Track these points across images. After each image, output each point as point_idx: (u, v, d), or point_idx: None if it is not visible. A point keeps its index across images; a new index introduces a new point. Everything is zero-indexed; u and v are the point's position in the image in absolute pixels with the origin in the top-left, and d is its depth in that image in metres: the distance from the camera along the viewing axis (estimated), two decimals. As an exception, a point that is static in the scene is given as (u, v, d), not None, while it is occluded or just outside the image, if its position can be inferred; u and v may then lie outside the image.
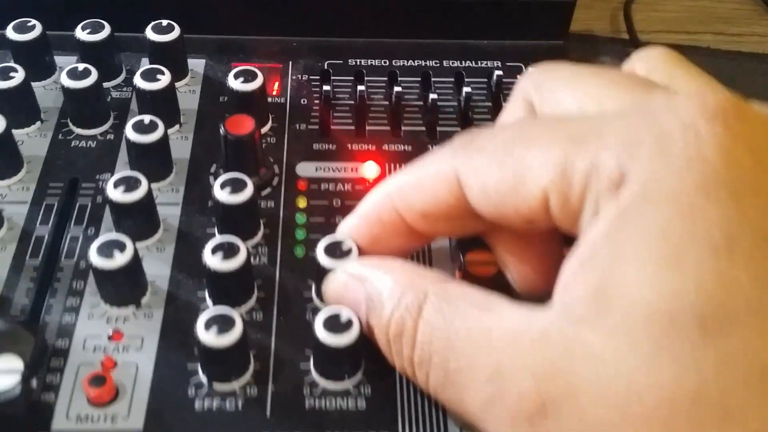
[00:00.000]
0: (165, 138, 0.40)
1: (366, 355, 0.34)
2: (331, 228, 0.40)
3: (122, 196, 0.37)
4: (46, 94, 0.46)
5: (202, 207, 0.41)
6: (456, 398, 0.27)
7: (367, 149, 0.44)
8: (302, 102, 0.47)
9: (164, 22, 0.46)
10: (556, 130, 0.27)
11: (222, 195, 0.37)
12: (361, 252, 0.34)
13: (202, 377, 0.34)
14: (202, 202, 0.41)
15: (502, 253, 0.33)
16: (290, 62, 0.49)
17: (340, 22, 0.51)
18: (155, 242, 0.39)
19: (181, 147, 0.44)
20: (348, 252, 0.35)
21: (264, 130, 0.45)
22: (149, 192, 0.38)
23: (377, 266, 0.32)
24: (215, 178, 0.42)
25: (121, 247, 0.35)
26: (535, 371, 0.24)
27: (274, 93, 0.47)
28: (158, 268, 0.38)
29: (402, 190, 0.32)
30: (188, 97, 0.46)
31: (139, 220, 0.38)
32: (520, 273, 0.32)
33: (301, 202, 0.41)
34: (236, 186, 0.37)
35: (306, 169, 0.43)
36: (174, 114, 0.44)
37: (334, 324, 0.32)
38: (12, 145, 0.41)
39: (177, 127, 0.44)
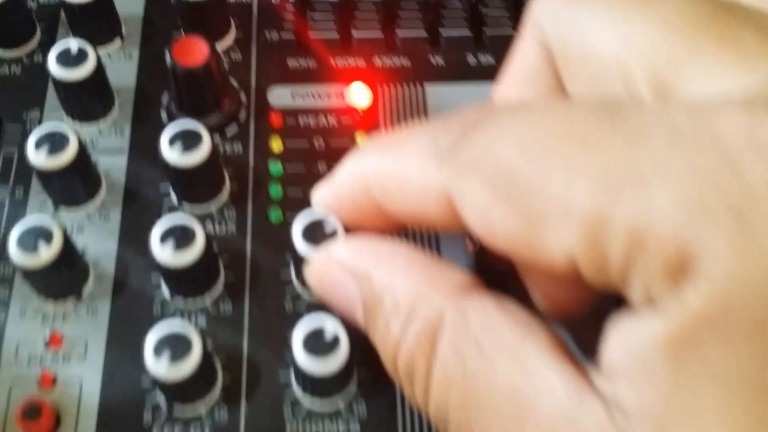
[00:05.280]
0: (99, 71, 0.32)
1: (358, 363, 0.28)
2: (313, 180, 0.32)
3: (46, 161, 0.29)
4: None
5: (153, 154, 0.32)
6: None
7: (354, 65, 0.36)
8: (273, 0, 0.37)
9: None
10: (580, 150, 0.18)
11: (172, 155, 0.29)
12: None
13: (161, 400, 0.28)
14: (154, 147, 0.33)
15: (524, 272, 0.25)
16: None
17: None
18: (97, 208, 0.32)
19: (125, 70, 0.35)
20: (332, 236, 0.28)
21: (225, 44, 0.36)
22: (80, 151, 0.30)
23: (376, 260, 0.25)
24: (169, 115, 0.34)
25: (47, 236, 0.28)
26: None
27: (238, -11, 0.37)
28: (102, 244, 0.31)
29: (383, 184, 0.24)
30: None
31: (72, 184, 0.31)
32: (547, 296, 0.25)
33: (276, 145, 0.33)
34: (189, 142, 0.30)
35: (280, 96, 0.35)
36: (112, 26, 0.35)
37: (317, 344, 0.26)
38: None
39: (118, 42, 0.35)
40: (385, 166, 0.24)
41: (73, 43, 0.31)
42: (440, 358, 0.22)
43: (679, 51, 0.20)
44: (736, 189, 0.17)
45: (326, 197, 0.27)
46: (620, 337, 0.19)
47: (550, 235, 0.19)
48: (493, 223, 0.20)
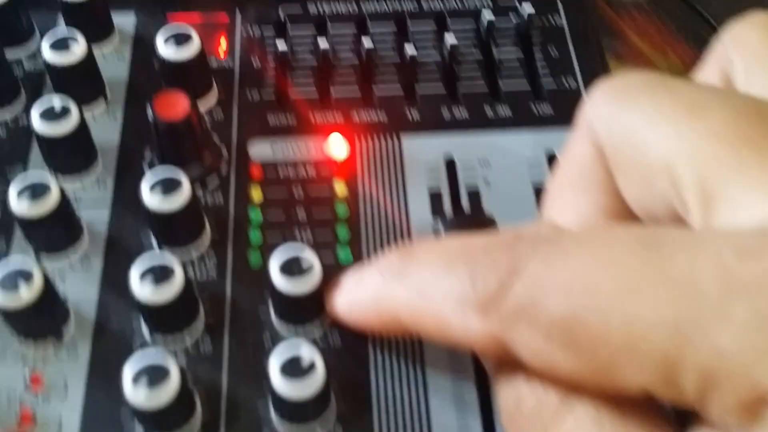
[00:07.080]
0: (82, 127, 0.33)
1: (336, 392, 0.28)
2: (293, 226, 0.33)
3: (28, 209, 0.30)
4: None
5: (136, 207, 0.33)
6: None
7: (333, 120, 0.37)
8: (255, 65, 0.39)
9: (79, -27, 0.37)
10: (633, 297, 0.19)
11: (152, 200, 0.30)
12: None
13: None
14: (137, 200, 0.34)
15: None
16: (237, 10, 0.41)
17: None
18: (79, 257, 0.32)
19: (109, 130, 0.36)
20: (309, 269, 0.28)
21: (208, 104, 0.37)
22: (62, 199, 0.30)
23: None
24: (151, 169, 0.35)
25: (27, 276, 0.28)
26: None
27: (221, 56, 0.39)
28: (82, 291, 0.31)
29: (418, 321, 0.25)
30: (115, 65, 0.38)
31: (53, 232, 0.31)
32: None
33: (256, 195, 0.34)
34: (168, 187, 0.30)
35: (260, 149, 0.36)
36: (97, 88, 0.36)
37: (295, 369, 0.26)
38: None
39: (102, 104, 0.37)
40: (418, 304, 0.24)
41: (57, 100, 0.33)
42: None
43: (726, 163, 0.21)
44: None
45: (347, 313, 0.29)
46: None
47: (620, 377, 0.20)
48: (555, 364, 0.21)
